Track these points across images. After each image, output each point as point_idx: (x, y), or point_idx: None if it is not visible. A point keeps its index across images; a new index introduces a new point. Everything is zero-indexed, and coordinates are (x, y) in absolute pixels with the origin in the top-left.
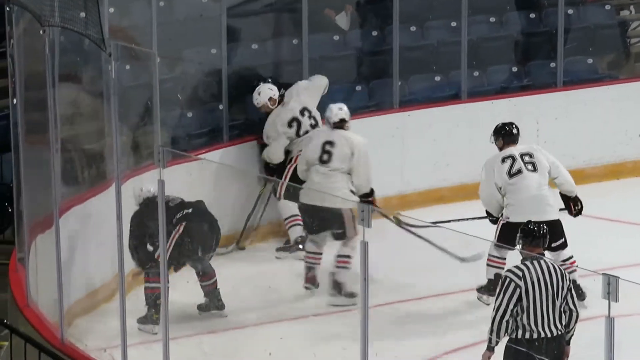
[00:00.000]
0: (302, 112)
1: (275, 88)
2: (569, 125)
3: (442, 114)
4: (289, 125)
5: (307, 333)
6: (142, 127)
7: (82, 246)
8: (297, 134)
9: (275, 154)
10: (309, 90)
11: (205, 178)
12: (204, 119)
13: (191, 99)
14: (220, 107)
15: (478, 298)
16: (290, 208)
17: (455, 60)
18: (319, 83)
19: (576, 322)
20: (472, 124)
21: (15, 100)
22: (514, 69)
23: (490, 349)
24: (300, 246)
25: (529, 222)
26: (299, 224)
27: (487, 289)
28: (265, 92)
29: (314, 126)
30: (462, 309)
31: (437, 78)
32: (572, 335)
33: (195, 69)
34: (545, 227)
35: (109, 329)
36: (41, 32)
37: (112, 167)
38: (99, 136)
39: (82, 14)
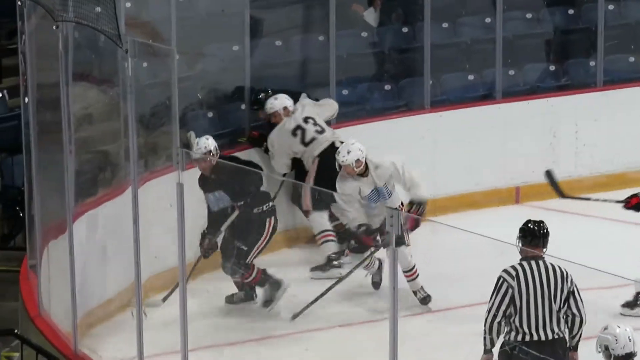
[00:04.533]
0: (305, 120)
1: (291, 100)
2: (610, 126)
3: (476, 114)
4: (294, 133)
5: (334, 344)
6: (160, 128)
7: (97, 252)
8: (303, 142)
9: (277, 165)
10: (316, 108)
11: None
12: (225, 119)
13: (212, 98)
14: (242, 106)
15: None
16: (321, 223)
17: (489, 59)
18: (330, 107)
19: (581, 326)
20: (506, 125)
21: (27, 100)
22: (551, 68)
23: (487, 351)
24: (335, 263)
25: (529, 220)
26: (332, 240)
27: None
28: (282, 100)
29: (320, 132)
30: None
31: (470, 77)
32: (579, 340)
33: (216, 67)
34: (546, 226)
35: (124, 340)
36: (54, 27)
37: (128, 169)
38: (115, 137)
39: (98, 9)
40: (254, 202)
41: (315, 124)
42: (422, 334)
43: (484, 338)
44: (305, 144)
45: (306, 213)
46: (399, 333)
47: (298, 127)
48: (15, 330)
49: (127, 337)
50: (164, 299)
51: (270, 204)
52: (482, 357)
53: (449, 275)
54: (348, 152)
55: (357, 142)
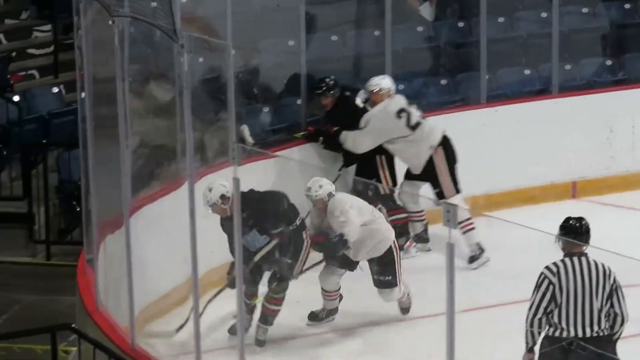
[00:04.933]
0: (408, 104)
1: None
2: None
3: (532, 109)
4: (398, 115)
5: (390, 340)
6: (216, 123)
7: (153, 247)
8: (409, 125)
9: (364, 144)
10: None
11: (283, 176)
12: (281, 114)
13: (268, 93)
14: (298, 101)
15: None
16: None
17: (546, 53)
18: None
19: (622, 325)
20: (563, 119)
21: (83, 94)
22: (607, 62)
23: (530, 350)
24: (414, 250)
25: (569, 217)
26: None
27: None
28: (388, 81)
29: (423, 118)
30: None
31: (527, 71)
32: (618, 338)
33: (271, 62)
34: (587, 223)
35: (182, 335)
36: (110, 22)
37: (184, 164)
38: (171, 132)
39: (153, 4)
40: (288, 221)
41: (416, 109)
42: (477, 329)
43: (526, 335)
44: (412, 127)
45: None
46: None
47: (403, 110)
48: (73, 325)
49: (184, 332)
50: (178, 330)
51: (300, 215)
52: (523, 356)
53: (505, 271)
54: (320, 187)
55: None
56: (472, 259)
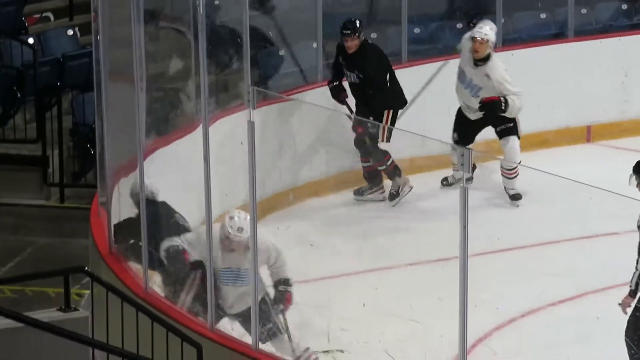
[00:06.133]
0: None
1: None
2: None
3: (547, 53)
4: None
5: (402, 283)
6: (231, 66)
7: (167, 190)
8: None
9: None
10: None
11: (298, 119)
12: (296, 57)
13: (283, 36)
14: (314, 45)
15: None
16: None
17: None
18: None
19: None
20: (578, 64)
21: (98, 37)
22: (623, 7)
23: (632, 293)
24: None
25: None
26: None
27: None
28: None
29: None
30: (564, 259)
31: (543, 15)
32: None
33: (287, 4)
34: None
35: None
36: None
37: (199, 107)
38: (186, 75)
39: None
40: None
41: None
42: (491, 271)
43: (633, 278)
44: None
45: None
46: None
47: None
48: (86, 268)
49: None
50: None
51: None
52: (624, 299)
53: (519, 215)
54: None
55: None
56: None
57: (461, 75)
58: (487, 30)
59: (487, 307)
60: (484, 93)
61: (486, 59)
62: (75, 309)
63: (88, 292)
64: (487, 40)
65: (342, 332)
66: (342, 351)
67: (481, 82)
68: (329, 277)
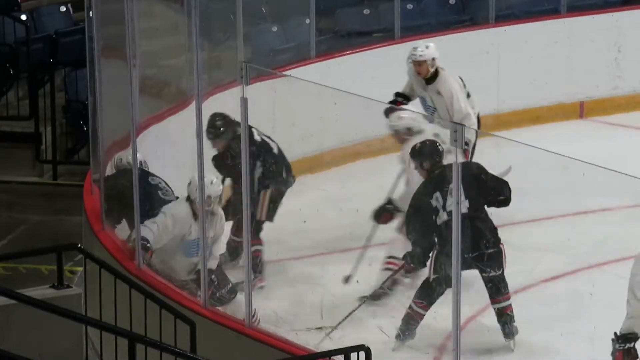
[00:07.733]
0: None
1: None
2: None
3: (540, 29)
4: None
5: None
6: (224, 42)
7: (160, 167)
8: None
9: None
10: None
11: (290, 96)
12: (289, 33)
13: (276, 12)
14: (307, 21)
15: None
16: None
17: None
18: None
19: None
20: (571, 40)
21: (91, 13)
22: None
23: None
24: None
25: None
26: None
27: None
28: (434, 49)
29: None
30: (557, 235)
31: None
32: None
33: None
34: None
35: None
36: None
37: (192, 84)
38: (179, 51)
39: None
40: None
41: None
42: None
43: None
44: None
45: None
46: None
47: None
48: (79, 245)
49: None
50: None
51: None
52: None
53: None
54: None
55: None
56: None
57: (420, 98)
58: (420, 51)
59: (481, 283)
60: (439, 113)
61: (434, 76)
62: (68, 286)
63: (81, 269)
64: (425, 61)
65: (335, 308)
66: (335, 328)
67: (435, 101)
68: (320, 253)
